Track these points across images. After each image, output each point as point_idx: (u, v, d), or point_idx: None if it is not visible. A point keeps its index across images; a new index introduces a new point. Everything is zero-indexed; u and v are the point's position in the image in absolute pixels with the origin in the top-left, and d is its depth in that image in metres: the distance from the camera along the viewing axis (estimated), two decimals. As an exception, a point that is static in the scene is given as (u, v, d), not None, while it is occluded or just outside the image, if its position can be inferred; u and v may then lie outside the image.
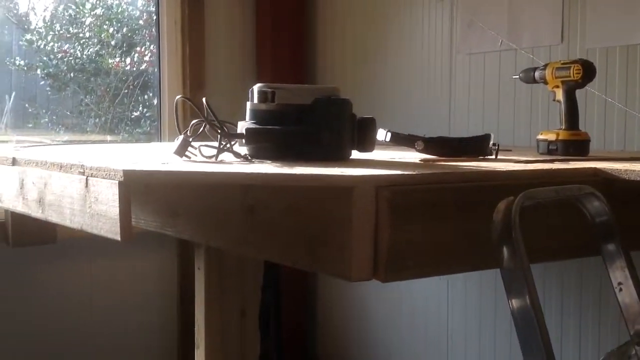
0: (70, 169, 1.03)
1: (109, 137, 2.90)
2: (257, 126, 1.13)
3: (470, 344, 2.12)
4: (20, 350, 2.22)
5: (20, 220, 1.98)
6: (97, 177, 0.97)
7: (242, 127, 1.17)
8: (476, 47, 2.00)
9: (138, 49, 2.98)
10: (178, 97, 1.13)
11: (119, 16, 2.98)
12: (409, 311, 2.31)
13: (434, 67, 2.13)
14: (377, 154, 1.26)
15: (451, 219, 0.95)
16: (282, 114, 1.15)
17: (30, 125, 2.85)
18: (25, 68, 2.82)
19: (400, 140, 1.31)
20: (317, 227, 0.93)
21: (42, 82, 2.86)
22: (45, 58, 2.85)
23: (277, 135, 1.13)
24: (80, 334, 2.32)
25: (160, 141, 2.60)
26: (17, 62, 2.83)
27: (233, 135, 1.14)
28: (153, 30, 2.94)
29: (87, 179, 0.99)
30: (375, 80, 2.32)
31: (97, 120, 2.92)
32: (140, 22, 3.03)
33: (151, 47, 2.93)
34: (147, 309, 2.44)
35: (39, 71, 2.83)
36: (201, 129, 1.17)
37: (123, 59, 2.98)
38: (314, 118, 1.15)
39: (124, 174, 0.91)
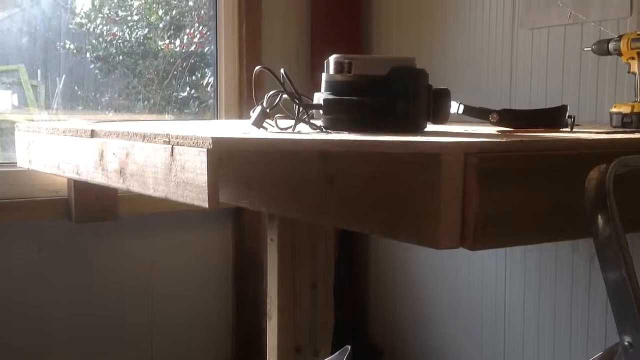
0: (155, 138, 1.05)
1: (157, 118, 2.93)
2: (335, 97, 1.14)
3: (528, 320, 2.11)
4: (81, 323, 2.27)
5: (83, 197, 2.02)
6: (183, 145, 0.98)
7: (318, 98, 1.18)
8: (540, 21, 1.98)
9: (187, 30, 3.00)
10: (258, 67, 1.15)
11: None
12: (465, 288, 2.31)
13: (495, 43, 2.12)
14: (450, 126, 1.26)
15: (540, 187, 0.95)
16: (359, 85, 1.16)
17: (80, 108, 2.89)
18: (75, 51, 2.86)
19: (474, 112, 1.31)
20: (403, 194, 0.94)
21: (92, 65, 2.90)
22: (94, 41, 2.88)
23: (354, 106, 1.14)
24: (138, 309, 2.37)
25: (217, 118, 2.63)
26: (67, 46, 2.86)
27: (310, 106, 1.15)
28: (202, 12, 2.96)
29: (172, 148, 1.01)
30: (434, 55, 2.31)
31: (145, 102, 2.96)
32: (190, 3, 3.06)
33: (200, 29, 2.95)
34: (204, 284, 2.48)
35: (88, 54, 2.86)
36: (278, 99, 1.18)
37: (172, 41, 3.00)
38: (391, 89, 1.15)
39: (212, 142, 0.92)
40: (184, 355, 2.47)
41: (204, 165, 0.94)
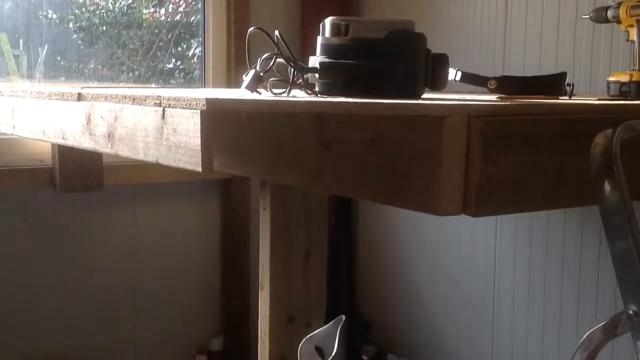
0: (145, 100, 1.01)
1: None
2: (331, 60, 1.10)
3: (518, 292, 2.10)
4: (68, 294, 2.24)
5: (68, 166, 1.98)
6: (175, 107, 0.95)
7: (313, 61, 1.14)
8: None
9: None
10: (251, 28, 1.10)
11: None
12: (454, 263, 2.29)
13: (488, 7, 2.09)
14: (447, 95, 1.23)
15: (545, 152, 0.92)
16: (356, 48, 1.12)
17: (62, 79, 2.85)
18: (57, 21, 2.81)
19: (472, 79, 1.28)
20: (402, 159, 0.91)
21: (74, 36, 2.85)
22: (77, 11, 2.83)
23: (351, 70, 1.10)
24: (124, 281, 2.34)
25: (204, 87, 2.58)
26: (50, 15, 2.81)
27: (305, 69, 1.11)
28: None
29: (164, 110, 0.97)
30: (424, 19, 2.27)
31: (129, 74, 2.92)
32: None
33: None
34: (191, 256, 2.45)
35: (70, 24, 2.81)
36: (272, 63, 1.14)
37: (157, 10, 2.96)
38: (389, 52, 1.12)
39: (207, 102, 0.88)
40: (172, 328, 2.45)
41: (197, 127, 0.90)
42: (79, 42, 2.85)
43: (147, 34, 2.90)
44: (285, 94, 1.12)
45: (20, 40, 2.80)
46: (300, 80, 1.12)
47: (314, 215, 1.25)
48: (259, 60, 1.15)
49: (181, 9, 2.97)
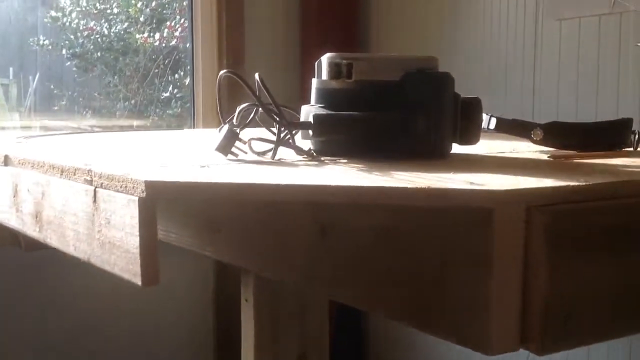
0: (74, 174, 0.73)
1: (135, 123, 2.70)
2: (329, 112, 0.81)
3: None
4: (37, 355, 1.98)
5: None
6: (108, 188, 0.66)
7: (307, 112, 0.85)
8: (569, 11, 1.65)
9: (168, 23, 2.76)
10: (222, 72, 0.81)
11: None
12: None
13: (514, 36, 1.78)
14: (480, 146, 0.94)
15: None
16: (362, 95, 0.83)
17: (55, 108, 2.68)
18: (50, 47, 2.65)
19: (510, 127, 0.99)
20: (431, 264, 0.62)
21: (68, 63, 2.64)
22: (71, 36, 2.63)
23: (356, 124, 0.81)
24: (99, 340, 2.06)
25: (194, 126, 2.29)
26: (42, 42, 2.66)
27: (296, 125, 0.82)
28: (184, 2, 2.72)
29: (95, 191, 0.68)
30: (443, 49, 1.97)
31: (125, 103, 2.73)
32: None
33: (182, 21, 2.70)
34: (179, 324, 2.16)
35: (64, 51, 2.61)
36: (251, 115, 0.86)
37: (152, 35, 2.77)
38: (405, 99, 0.83)
39: (146, 187, 0.60)
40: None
41: (136, 221, 0.61)
42: (74, 69, 2.67)
43: (144, 60, 2.71)
44: (270, 156, 0.83)
45: (10, 69, 2.65)
46: (289, 136, 0.83)
47: (311, 309, 0.95)
48: (237, 112, 0.87)
49: (177, 33, 2.76)
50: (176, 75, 2.75)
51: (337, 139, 0.82)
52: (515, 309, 0.58)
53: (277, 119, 0.80)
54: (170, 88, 2.75)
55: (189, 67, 2.59)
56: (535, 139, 0.96)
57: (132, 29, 2.75)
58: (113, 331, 2.08)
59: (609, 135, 0.95)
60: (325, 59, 0.86)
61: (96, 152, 0.97)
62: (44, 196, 0.79)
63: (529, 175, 0.68)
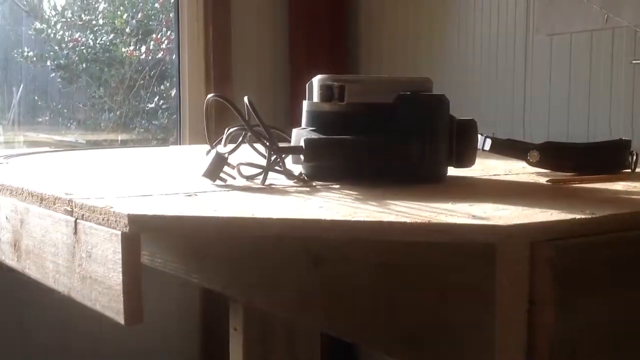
0: (54, 203, 0.69)
1: (120, 137, 2.66)
2: (320, 136, 0.78)
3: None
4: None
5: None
6: (90, 220, 0.63)
7: (298, 136, 0.82)
8: (560, 26, 1.62)
9: (154, 36, 2.73)
10: (210, 95, 0.78)
11: (134, 0, 2.75)
12: None
13: (505, 52, 1.76)
14: (474, 167, 0.91)
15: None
16: (355, 118, 0.80)
17: (39, 120, 2.64)
18: (35, 59, 2.61)
19: (506, 148, 0.96)
20: (430, 301, 0.59)
21: (53, 74, 2.60)
22: (56, 47, 2.59)
23: (348, 149, 0.78)
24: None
25: (180, 142, 2.25)
26: (26, 53, 2.62)
27: (286, 150, 0.79)
28: (170, 15, 2.69)
29: (76, 223, 0.65)
30: (434, 68, 1.95)
31: (111, 114, 2.70)
32: (157, 5, 2.77)
33: (168, 34, 2.67)
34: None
35: (49, 62, 2.57)
36: (240, 139, 0.83)
37: (138, 47, 2.74)
38: (399, 122, 0.80)
39: (129, 221, 0.56)
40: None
41: (118, 257, 0.58)
42: (58, 80, 2.63)
43: (130, 71, 2.68)
44: (259, 181, 0.80)
45: (-6, 81, 2.61)
46: (280, 161, 0.80)
47: (302, 339, 0.91)
48: (224, 134, 0.84)
49: (163, 45, 2.72)
50: (162, 87, 2.71)
51: (329, 164, 0.79)
52: (520, 348, 0.55)
53: (267, 143, 0.77)
54: (156, 99, 2.72)
55: (175, 80, 2.56)
56: (531, 160, 0.93)
57: (117, 40, 2.72)
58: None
59: (606, 157, 0.93)
60: (316, 81, 0.83)
61: (77, 176, 0.93)
62: (23, 224, 0.75)
63: (530, 205, 0.65)
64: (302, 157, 0.76)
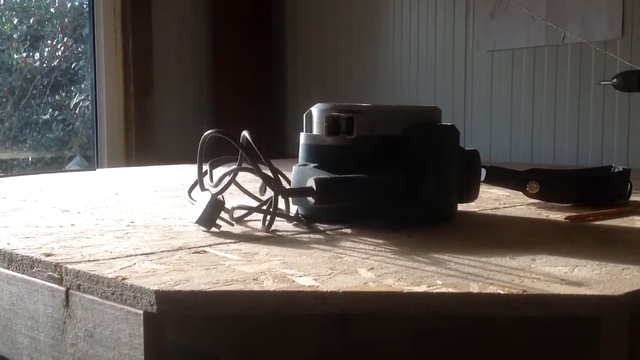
0: (32, 267, 0.56)
1: (6, 155, 2.46)
2: (332, 175, 0.68)
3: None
4: None
5: None
6: (91, 293, 0.50)
7: (302, 174, 0.72)
8: (501, 42, 1.59)
9: (49, 42, 2.53)
10: (208, 132, 0.66)
11: (24, 4, 2.54)
12: None
13: (444, 69, 1.72)
14: (479, 206, 0.85)
15: None
16: (363, 152, 0.71)
17: None
18: None
19: (502, 179, 0.89)
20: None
21: None
22: None
23: (365, 188, 0.69)
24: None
25: (97, 161, 2.06)
26: None
27: (294, 192, 0.68)
28: (66, 20, 2.51)
29: (67, 294, 0.52)
30: (367, 87, 1.88)
31: None
32: (52, 9, 2.57)
33: (65, 40, 2.48)
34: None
35: None
36: (231, 177, 0.72)
37: (31, 54, 2.54)
38: (411, 157, 0.72)
39: (157, 299, 0.45)
40: None
41: (138, 341, 0.46)
42: None
43: (19, 81, 2.46)
44: (261, 227, 0.69)
45: None
46: (285, 204, 0.70)
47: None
48: (220, 176, 0.72)
49: (59, 52, 2.52)
50: (57, 97, 2.52)
51: (339, 205, 0.70)
52: None
53: (274, 185, 0.66)
54: (50, 110, 2.53)
55: (78, 86, 2.37)
56: (531, 192, 0.87)
57: (4, 46, 2.51)
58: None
59: (610, 188, 0.88)
60: (317, 111, 0.73)
61: (23, 219, 0.79)
62: (-20, 289, 0.61)
63: (598, 258, 0.58)
64: (311, 199, 0.66)
